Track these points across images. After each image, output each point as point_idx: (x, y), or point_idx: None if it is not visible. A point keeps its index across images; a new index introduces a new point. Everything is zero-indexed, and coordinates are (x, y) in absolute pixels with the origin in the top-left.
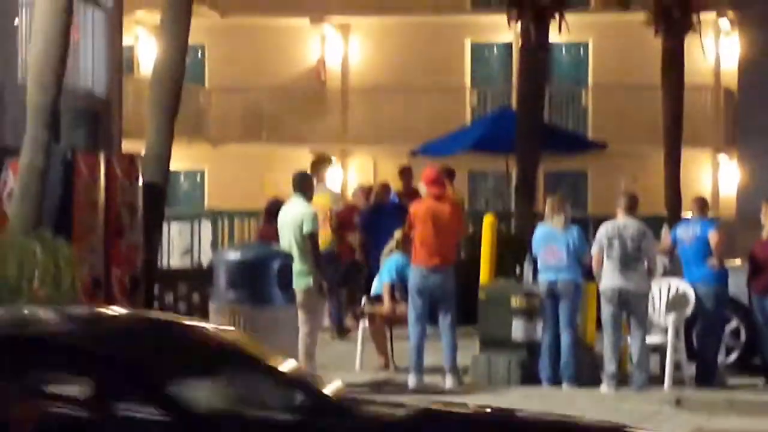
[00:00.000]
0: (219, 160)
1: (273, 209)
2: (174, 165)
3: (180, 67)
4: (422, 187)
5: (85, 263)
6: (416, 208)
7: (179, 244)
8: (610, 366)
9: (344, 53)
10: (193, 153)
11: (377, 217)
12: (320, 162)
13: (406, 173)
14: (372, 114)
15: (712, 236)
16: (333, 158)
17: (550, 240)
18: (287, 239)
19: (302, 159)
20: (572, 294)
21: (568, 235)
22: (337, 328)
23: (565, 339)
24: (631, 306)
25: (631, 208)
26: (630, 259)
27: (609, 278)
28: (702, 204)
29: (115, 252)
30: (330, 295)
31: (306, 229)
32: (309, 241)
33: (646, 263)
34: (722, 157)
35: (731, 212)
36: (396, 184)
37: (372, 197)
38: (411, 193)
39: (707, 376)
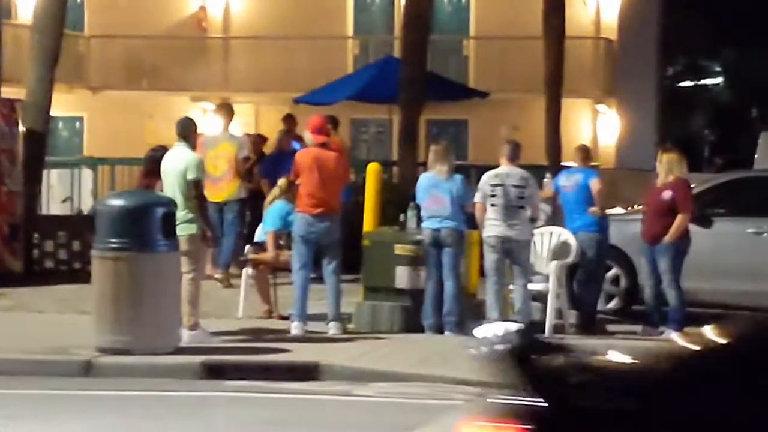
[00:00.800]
0: (99, 107)
1: (155, 157)
2: (53, 111)
3: (60, 13)
4: (307, 136)
5: None
6: (301, 157)
7: (59, 192)
8: (492, 313)
9: (226, 1)
10: (72, 99)
11: (279, 163)
12: (224, 109)
13: (288, 121)
14: (254, 62)
15: (594, 184)
16: (219, 106)
17: (434, 188)
18: (171, 186)
19: (183, 107)
20: (456, 242)
21: (451, 183)
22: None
23: (448, 287)
24: (514, 254)
25: (514, 156)
26: (513, 207)
27: (492, 226)
28: (584, 152)
29: None
30: (227, 241)
31: (191, 176)
32: (194, 188)
33: (528, 211)
34: (602, 107)
35: (610, 162)
36: (265, 132)
37: (275, 144)
38: (295, 140)
39: (587, 324)
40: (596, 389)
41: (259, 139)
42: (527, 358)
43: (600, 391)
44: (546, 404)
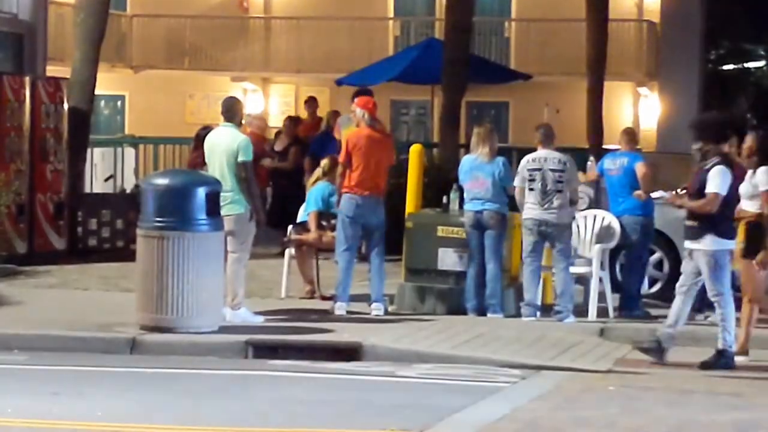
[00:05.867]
0: (140, 86)
1: (203, 136)
2: (95, 90)
3: None
4: (359, 111)
5: (10, 188)
6: (351, 137)
7: (102, 170)
8: (527, 295)
9: None
10: (114, 78)
11: (327, 143)
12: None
13: (311, 104)
14: (294, 43)
15: (639, 168)
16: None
17: (476, 170)
18: (219, 166)
19: (224, 86)
20: (498, 224)
21: (493, 165)
22: None
23: (490, 269)
24: (552, 237)
25: (547, 140)
26: (551, 191)
27: (530, 209)
28: (630, 135)
29: (40, 177)
30: None
31: (242, 157)
32: (244, 169)
33: (567, 194)
34: (644, 90)
35: (652, 145)
36: (303, 113)
37: (322, 124)
38: (316, 123)
39: (631, 307)
40: None
41: (290, 122)
42: None
43: None
44: None
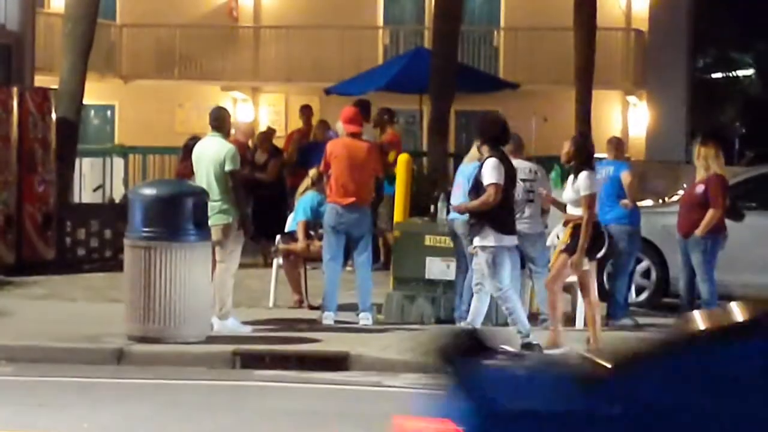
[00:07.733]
0: (130, 96)
1: (191, 147)
2: (84, 100)
3: (93, 2)
4: (340, 126)
5: None
6: (332, 147)
7: (91, 180)
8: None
9: None
10: (104, 88)
11: (314, 153)
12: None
13: (305, 111)
14: (284, 52)
15: (625, 177)
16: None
17: (459, 175)
18: (205, 175)
19: (214, 96)
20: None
21: (471, 167)
22: None
23: None
24: (525, 247)
25: (517, 149)
26: (522, 201)
27: None
28: (617, 144)
29: (28, 188)
30: None
31: (228, 167)
32: (231, 178)
33: (539, 204)
34: (632, 99)
35: (640, 153)
36: (294, 122)
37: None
38: (310, 131)
39: (617, 315)
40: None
41: (265, 136)
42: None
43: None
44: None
